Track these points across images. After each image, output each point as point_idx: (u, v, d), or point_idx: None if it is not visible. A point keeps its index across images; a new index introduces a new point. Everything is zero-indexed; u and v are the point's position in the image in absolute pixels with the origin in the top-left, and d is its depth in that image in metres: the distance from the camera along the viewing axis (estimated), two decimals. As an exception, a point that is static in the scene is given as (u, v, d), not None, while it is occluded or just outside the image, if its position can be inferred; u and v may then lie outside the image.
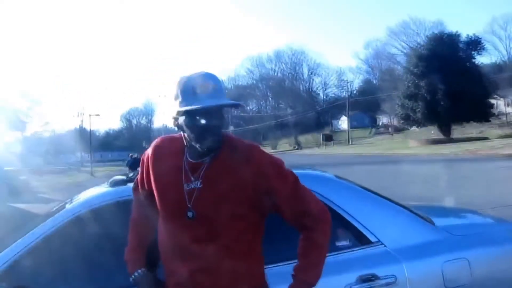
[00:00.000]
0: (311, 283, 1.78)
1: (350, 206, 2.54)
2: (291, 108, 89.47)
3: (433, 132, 52.70)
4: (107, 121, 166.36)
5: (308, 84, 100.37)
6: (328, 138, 65.91)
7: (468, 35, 52.38)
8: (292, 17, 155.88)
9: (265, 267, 1.90)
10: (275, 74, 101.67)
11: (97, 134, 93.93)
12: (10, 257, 2.29)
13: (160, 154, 1.84)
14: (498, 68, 67.50)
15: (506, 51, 77.57)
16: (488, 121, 50.34)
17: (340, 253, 2.43)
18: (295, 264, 1.81)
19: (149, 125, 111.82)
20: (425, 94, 47.25)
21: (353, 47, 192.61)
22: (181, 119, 1.71)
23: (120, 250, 2.34)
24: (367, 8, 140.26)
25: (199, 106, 1.65)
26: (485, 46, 55.44)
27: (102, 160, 64.46)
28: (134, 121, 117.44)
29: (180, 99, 1.69)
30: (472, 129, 51.73)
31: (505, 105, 58.02)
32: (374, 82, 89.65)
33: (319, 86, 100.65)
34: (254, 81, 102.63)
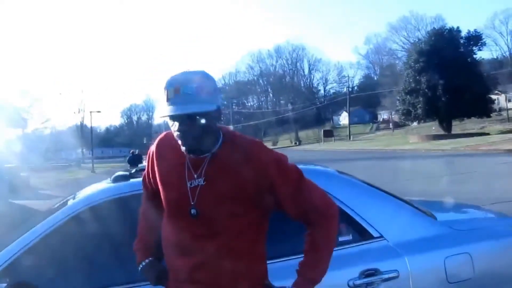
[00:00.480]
0: (316, 280, 1.77)
1: (353, 201, 2.54)
2: (291, 104, 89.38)
3: (433, 127, 52.69)
4: (108, 118, 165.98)
5: (308, 80, 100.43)
6: (329, 134, 65.74)
7: (469, 30, 52.34)
8: (292, 13, 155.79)
9: (272, 261, 1.90)
10: (276, 70, 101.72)
11: (98, 130, 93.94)
12: (12, 254, 2.29)
13: (164, 151, 1.83)
14: (499, 63, 67.40)
15: (507, 46, 77.56)
16: (489, 116, 50.29)
17: (342, 248, 2.43)
18: (300, 260, 1.80)
19: (149, 121, 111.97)
20: (426, 90, 47.20)
21: (353, 42, 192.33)
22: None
23: (122, 246, 2.37)
24: (368, 3, 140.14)
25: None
26: (485, 42, 55.44)
27: (103, 157, 64.60)
28: (135, 118, 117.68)
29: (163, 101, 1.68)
30: (472, 124, 51.72)
31: (506, 100, 57.96)
32: (375, 77, 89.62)
33: (319, 81, 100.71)
34: (255, 77, 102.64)
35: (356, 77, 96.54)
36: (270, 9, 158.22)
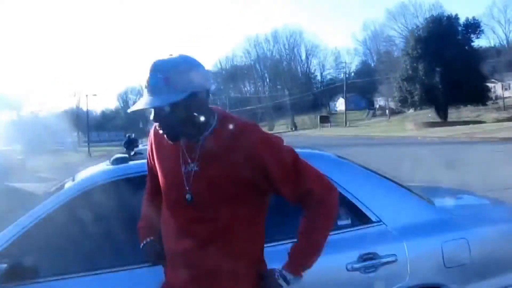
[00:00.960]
0: (306, 265, 1.74)
1: (352, 185, 2.54)
2: (288, 89, 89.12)
3: (430, 115, 52.75)
4: (104, 101, 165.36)
5: (305, 65, 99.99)
6: (325, 120, 65.79)
7: (467, 18, 52.19)
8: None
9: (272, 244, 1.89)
10: (272, 55, 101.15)
11: (94, 113, 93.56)
12: (12, 235, 2.29)
13: (161, 136, 1.79)
14: (497, 52, 67.31)
15: (505, 34, 77.33)
16: (485, 104, 50.37)
17: (341, 232, 2.45)
18: (293, 243, 1.76)
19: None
20: (423, 77, 47.17)
21: (351, 28, 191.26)
22: None
23: (122, 229, 2.37)
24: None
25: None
26: (484, 30, 55.29)
27: (99, 140, 64.41)
28: (131, 101, 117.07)
29: None
30: (468, 112, 51.83)
31: (502, 89, 58.00)
32: (372, 64, 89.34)
33: (316, 67, 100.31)
34: (252, 62, 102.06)
35: (353, 64, 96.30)
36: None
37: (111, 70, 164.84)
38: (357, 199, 2.52)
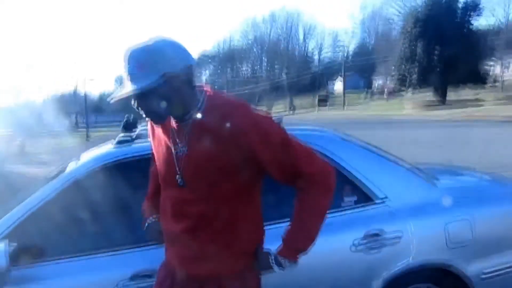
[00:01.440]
0: (301, 249, 1.70)
1: (357, 164, 2.54)
2: (286, 71, 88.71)
3: (428, 95, 52.61)
4: (101, 85, 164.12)
5: (303, 47, 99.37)
6: (323, 101, 65.40)
7: (466, -3, 51.57)
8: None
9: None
10: (270, 36, 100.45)
11: (91, 97, 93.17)
12: (17, 218, 2.30)
13: None
14: (496, 32, 66.80)
15: (505, 11, 76.68)
16: (484, 83, 50.19)
17: (347, 210, 2.46)
18: (287, 226, 1.72)
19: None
20: (421, 57, 46.92)
21: (349, 8, 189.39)
22: None
23: (127, 209, 2.38)
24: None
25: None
26: (483, 9, 54.71)
27: (97, 123, 64.30)
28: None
29: None
30: (467, 92, 51.65)
31: (501, 68, 57.73)
32: (370, 44, 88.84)
33: (314, 49, 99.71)
34: (249, 42, 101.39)
35: (351, 44, 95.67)
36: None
37: (107, 54, 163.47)
38: (363, 177, 2.52)
